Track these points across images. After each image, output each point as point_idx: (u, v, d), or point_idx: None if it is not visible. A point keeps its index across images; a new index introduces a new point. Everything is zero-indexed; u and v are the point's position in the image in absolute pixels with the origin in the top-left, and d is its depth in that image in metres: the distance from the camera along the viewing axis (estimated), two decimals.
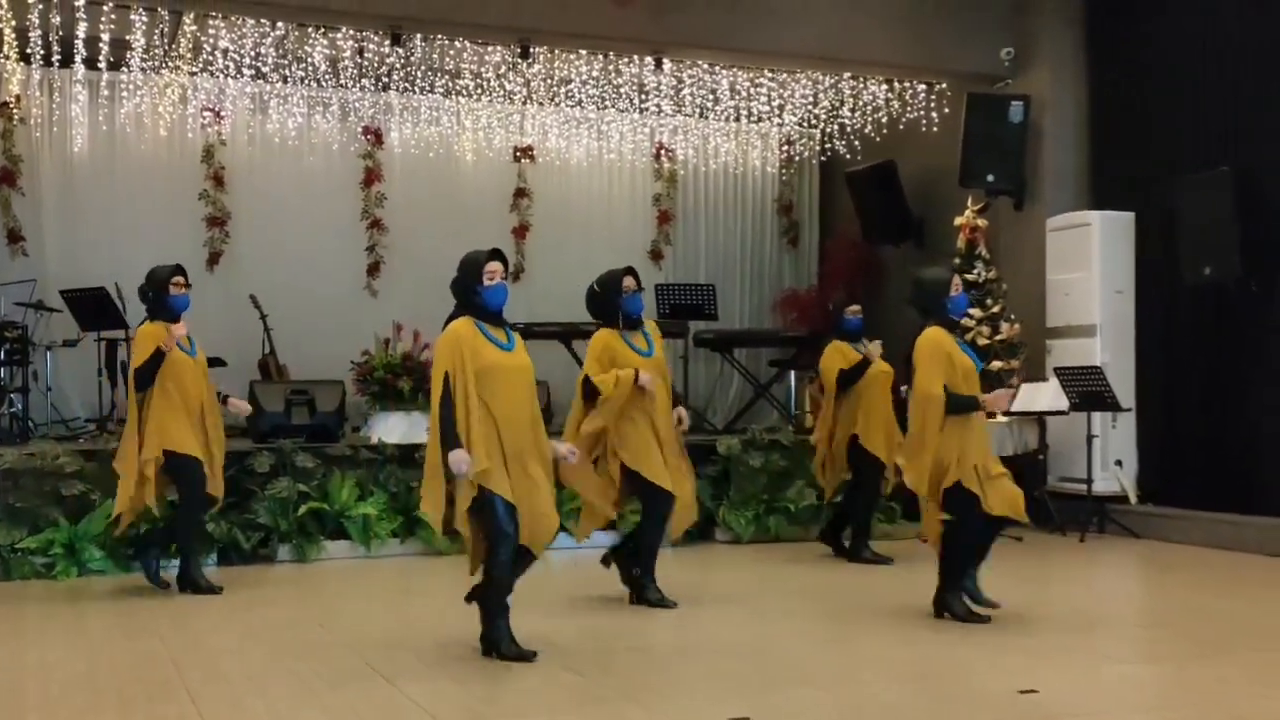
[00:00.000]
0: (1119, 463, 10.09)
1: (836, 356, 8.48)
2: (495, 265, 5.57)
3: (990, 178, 10.82)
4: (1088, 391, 9.49)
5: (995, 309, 10.59)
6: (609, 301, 6.82)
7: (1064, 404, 9.62)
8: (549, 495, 5.54)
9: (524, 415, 5.50)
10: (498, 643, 5.48)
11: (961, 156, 10.79)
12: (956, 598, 6.32)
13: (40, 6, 9.05)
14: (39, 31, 9.29)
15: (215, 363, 10.40)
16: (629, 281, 6.79)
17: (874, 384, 8.33)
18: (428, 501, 5.53)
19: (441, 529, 5.56)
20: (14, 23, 9.23)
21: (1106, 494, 9.91)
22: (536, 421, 5.56)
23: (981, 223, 10.85)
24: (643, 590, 6.89)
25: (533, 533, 5.45)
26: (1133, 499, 9.98)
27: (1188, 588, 7.79)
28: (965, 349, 6.36)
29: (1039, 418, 10.06)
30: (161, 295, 7.28)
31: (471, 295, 5.56)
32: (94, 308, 9.83)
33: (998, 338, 10.48)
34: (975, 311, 10.55)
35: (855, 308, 8.67)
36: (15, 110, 10.85)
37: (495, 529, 5.40)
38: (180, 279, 7.35)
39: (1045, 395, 9.86)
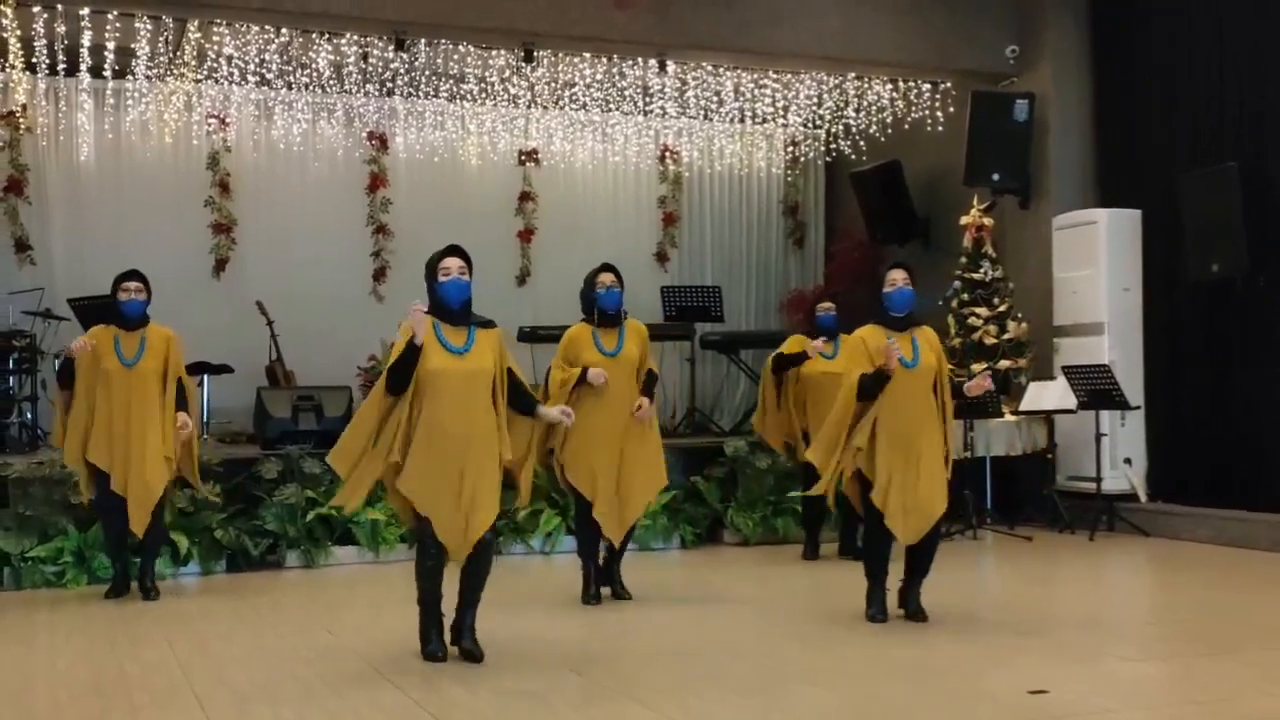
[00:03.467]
0: (1128, 460, 10.06)
1: (790, 341, 8.46)
2: (450, 261, 5.45)
3: (996, 176, 10.79)
4: (1096, 390, 9.47)
5: (1002, 308, 10.57)
6: (585, 295, 6.96)
7: (1072, 402, 9.60)
8: (479, 502, 5.33)
9: (467, 423, 5.33)
10: (422, 640, 5.51)
11: (967, 155, 10.77)
12: (869, 601, 6.36)
13: (45, 15, 9.09)
14: (44, 41, 9.33)
15: (221, 369, 10.50)
16: (604, 277, 6.88)
17: (828, 382, 7.80)
18: (354, 494, 5.46)
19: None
20: (19, 32, 9.26)
21: (1115, 492, 9.87)
22: (486, 427, 5.38)
23: (987, 221, 10.83)
24: (585, 589, 6.96)
25: (451, 541, 5.36)
26: (1142, 497, 9.95)
27: (1197, 585, 7.76)
28: (916, 344, 6.21)
29: (1047, 416, 10.03)
30: (114, 301, 7.23)
31: (431, 294, 5.49)
32: (101, 316, 9.80)
33: (1005, 336, 10.46)
34: (982, 310, 10.56)
35: (826, 305, 8.59)
36: (21, 120, 10.89)
37: (420, 539, 5.43)
38: (131, 284, 7.21)
39: (1053, 394, 9.84)
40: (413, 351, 5.33)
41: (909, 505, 6.09)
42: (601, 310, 6.86)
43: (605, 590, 7.04)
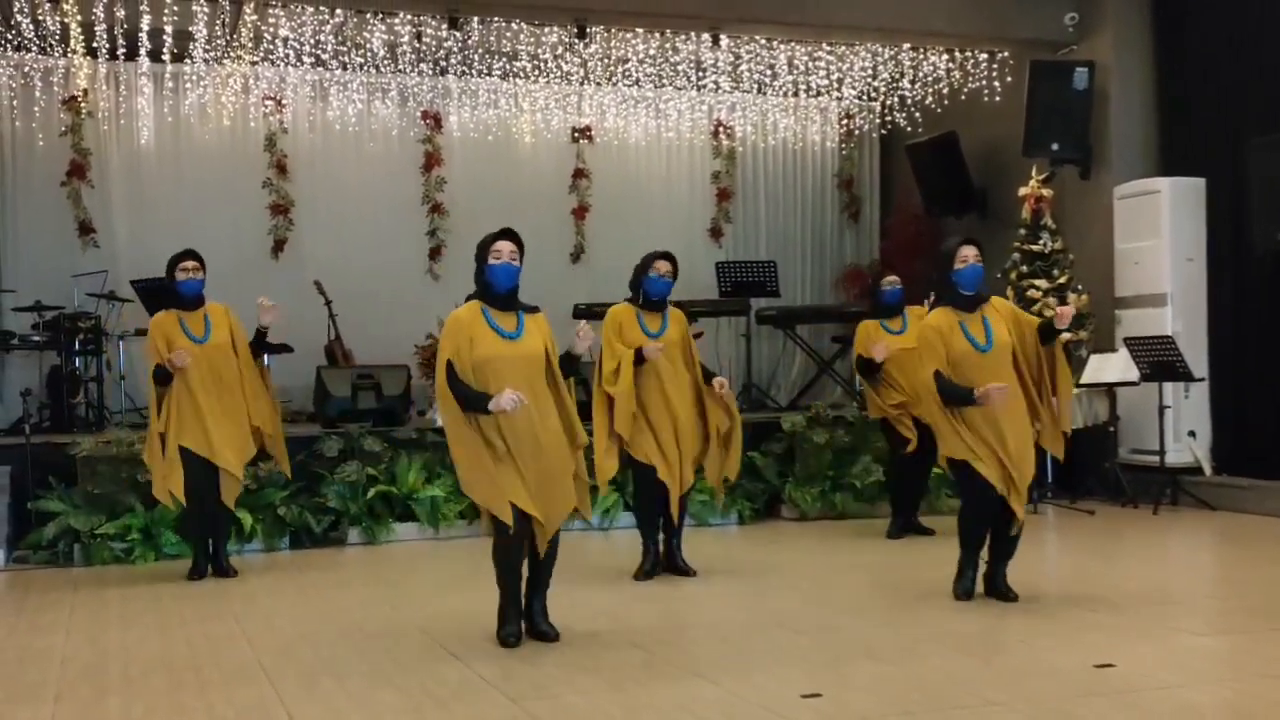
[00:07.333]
0: (1192, 433, 9.93)
1: (861, 337, 8.37)
2: (503, 244, 5.35)
3: (1055, 146, 10.64)
4: (1159, 361, 9.34)
5: (1062, 280, 10.44)
6: (636, 276, 7.01)
7: (1134, 375, 9.47)
8: (559, 485, 5.37)
9: (530, 408, 5.25)
10: (500, 621, 5.45)
11: (1025, 125, 10.62)
12: (960, 575, 6.26)
13: (105, 0, 9.19)
14: (104, 25, 9.47)
15: (281, 349, 10.61)
16: (660, 265, 6.92)
17: (909, 357, 7.80)
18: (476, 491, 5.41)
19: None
20: (80, 17, 9.38)
21: (1179, 465, 9.75)
22: (549, 410, 5.36)
23: (1046, 192, 10.69)
24: (642, 564, 7.11)
25: (542, 524, 5.36)
26: (1207, 470, 9.81)
27: (1264, 560, 7.64)
28: (987, 324, 6.07)
29: (1109, 389, 9.91)
30: (171, 281, 7.29)
31: (479, 276, 5.42)
32: (164, 297, 9.96)
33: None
34: (1041, 283, 10.43)
35: (892, 279, 8.44)
36: (83, 104, 11.04)
37: (498, 527, 5.33)
38: (189, 263, 7.27)
39: (1115, 366, 9.72)
40: (480, 404, 5.19)
41: (1016, 479, 5.99)
42: (648, 295, 6.95)
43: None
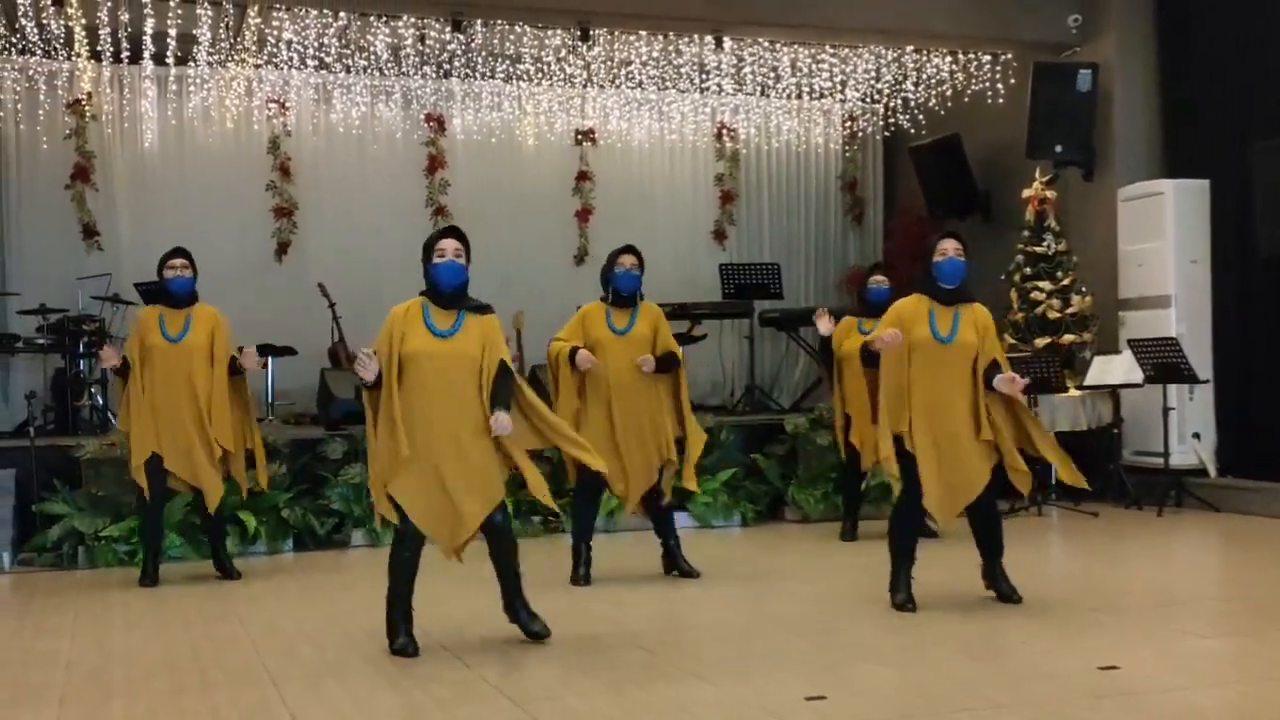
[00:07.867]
0: (1196, 435, 9.91)
1: (839, 333, 8.30)
2: (446, 243, 5.34)
3: (1059, 148, 10.63)
4: (1163, 363, 9.33)
5: (1066, 281, 10.42)
6: (604, 274, 7.03)
7: (1138, 376, 9.46)
8: (465, 495, 5.19)
9: (448, 407, 5.18)
10: (390, 635, 5.38)
11: (1029, 127, 10.61)
12: (895, 585, 6.15)
13: (109, 4, 9.21)
14: (108, 29, 9.49)
15: (284, 351, 10.63)
16: (625, 259, 6.92)
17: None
18: (374, 489, 5.35)
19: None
20: (84, 21, 9.40)
21: (1184, 467, 9.73)
22: (472, 412, 5.21)
23: (1050, 194, 10.68)
24: (574, 569, 7.03)
25: (437, 535, 5.30)
26: (1211, 472, 9.80)
27: (1268, 561, 7.63)
28: (957, 320, 6.01)
29: (1113, 391, 9.90)
30: (160, 279, 7.26)
31: (425, 274, 5.41)
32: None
33: (1068, 310, 10.32)
34: (1045, 284, 10.41)
35: (879, 278, 8.35)
36: (87, 107, 11.07)
37: (399, 531, 5.32)
38: (176, 261, 7.18)
39: (1119, 368, 9.70)
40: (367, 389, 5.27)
41: (948, 482, 5.93)
42: (616, 290, 6.93)
43: (593, 570, 7.07)
